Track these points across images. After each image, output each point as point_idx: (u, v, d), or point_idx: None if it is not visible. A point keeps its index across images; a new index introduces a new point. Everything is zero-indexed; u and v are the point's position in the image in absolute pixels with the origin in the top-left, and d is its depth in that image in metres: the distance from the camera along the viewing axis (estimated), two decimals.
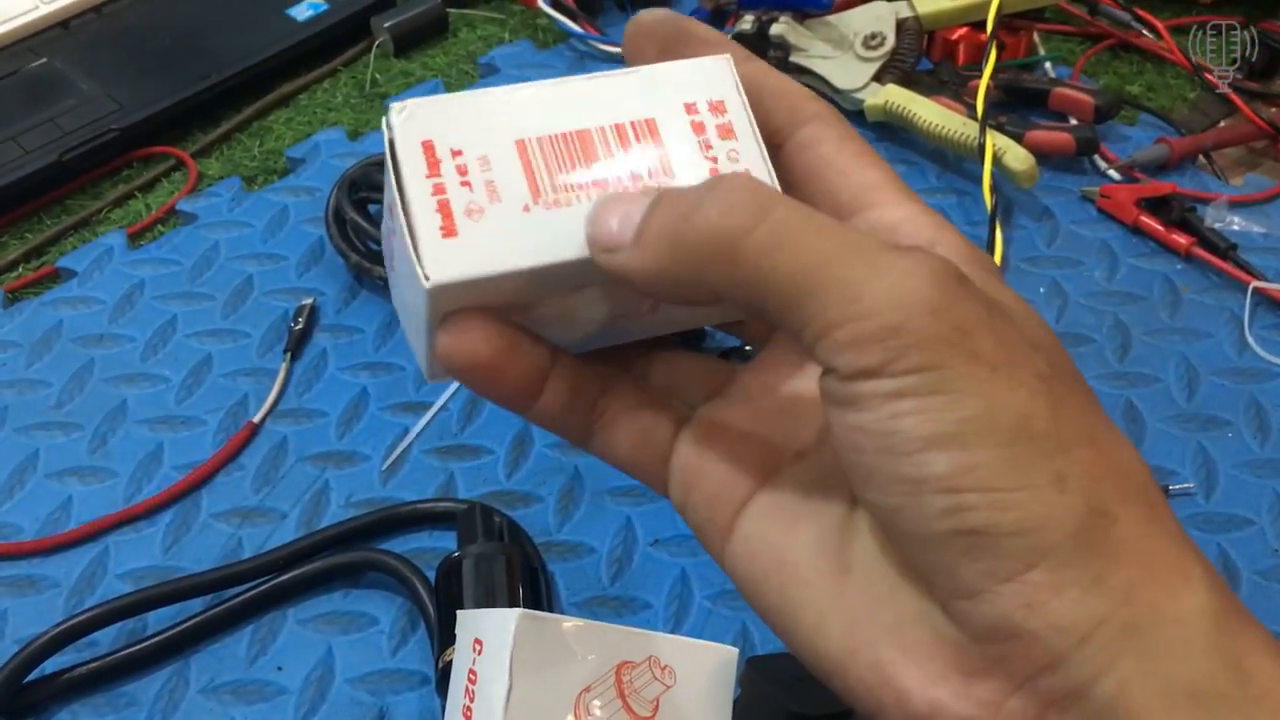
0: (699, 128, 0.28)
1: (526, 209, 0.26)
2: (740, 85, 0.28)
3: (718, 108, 0.28)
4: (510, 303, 0.27)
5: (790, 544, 0.26)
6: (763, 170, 0.27)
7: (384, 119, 0.27)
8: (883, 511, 0.23)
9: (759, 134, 0.28)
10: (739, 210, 0.23)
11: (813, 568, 0.25)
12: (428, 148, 0.26)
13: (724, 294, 0.24)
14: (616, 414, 0.29)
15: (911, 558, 0.23)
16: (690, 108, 0.28)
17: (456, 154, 0.26)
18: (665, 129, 0.27)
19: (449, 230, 0.26)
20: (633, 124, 0.27)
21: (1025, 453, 0.22)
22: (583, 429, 0.29)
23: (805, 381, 0.28)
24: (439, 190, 0.26)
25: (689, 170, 0.27)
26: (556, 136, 0.27)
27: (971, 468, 0.21)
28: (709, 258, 0.24)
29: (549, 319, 0.28)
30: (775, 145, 0.28)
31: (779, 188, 0.27)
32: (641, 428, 0.29)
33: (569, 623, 0.40)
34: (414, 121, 0.26)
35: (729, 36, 0.29)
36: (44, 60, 0.74)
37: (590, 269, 0.26)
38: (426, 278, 0.25)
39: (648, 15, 0.29)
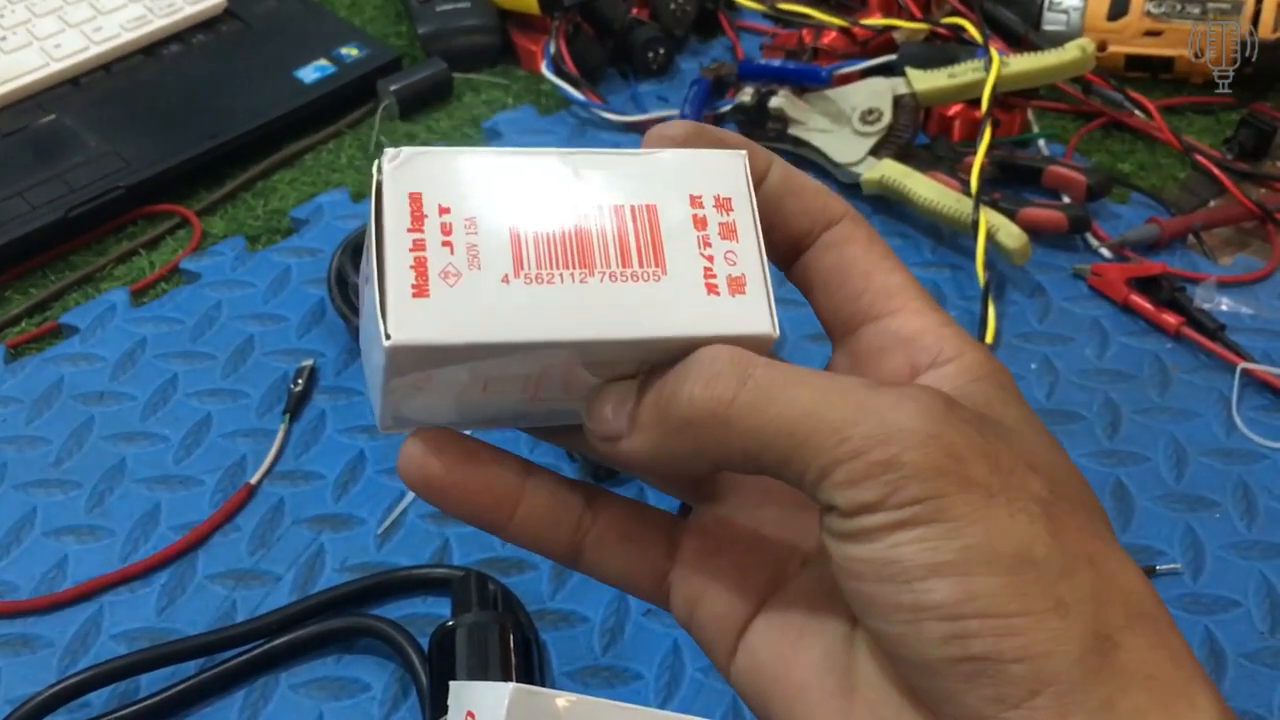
0: (700, 222, 0.27)
1: (505, 280, 0.25)
2: (752, 187, 0.27)
3: (724, 204, 0.27)
4: (467, 375, 0.26)
5: (796, 661, 0.26)
6: (759, 278, 0.27)
7: (376, 162, 0.26)
8: (885, 639, 0.23)
9: (763, 242, 0.27)
10: (719, 381, 0.24)
11: (819, 687, 0.25)
12: (414, 200, 0.26)
13: (722, 461, 0.24)
14: (604, 533, 0.29)
15: (915, 684, 0.23)
16: (695, 200, 0.27)
17: (444, 211, 0.25)
18: (665, 217, 0.27)
19: (420, 290, 0.25)
20: (632, 207, 0.27)
21: (1027, 579, 0.22)
22: (569, 549, 0.29)
23: None
24: (418, 246, 0.25)
25: (681, 266, 0.26)
26: (552, 208, 0.26)
27: (973, 595, 0.22)
28: (701, 431, 0.24)
29: (499, 396, 0.27)
30: (805, 243, 0.28)
31: (772, 300, 0.27)
32: (633, 546, 0.29)
33: (563, 698, 0.40)
34: (405, 170, 0.26)
35: (748, 140, 0.29)
36: (53, 116, 0.75)
37: (560, 353, 0.25)
38: (388, 336, 0.24)
39: (675, 128, 0.28)
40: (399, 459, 0.27)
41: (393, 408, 0.27)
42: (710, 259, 0.26)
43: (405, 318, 0.24)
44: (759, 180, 0.28)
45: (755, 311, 0.26)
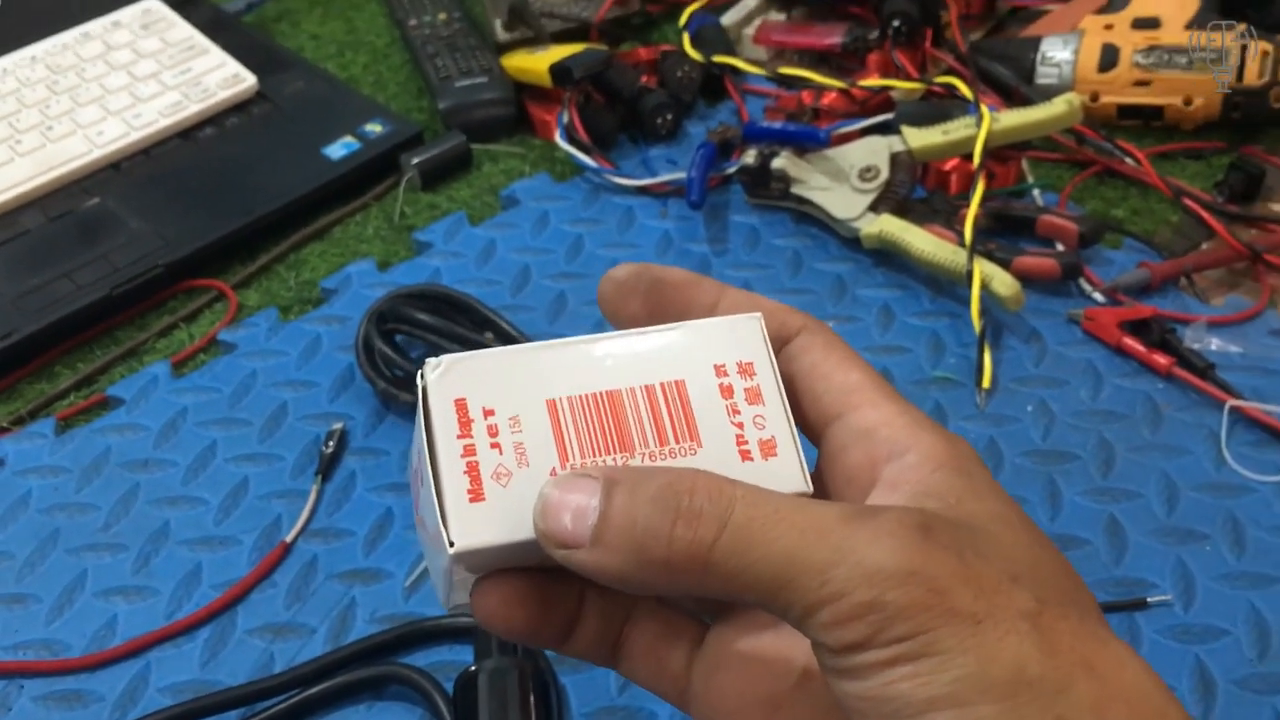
0: (727, 391, 0.28)
1: (554, 473, 0.27)
2: (770, 345, 0.29)
3: (747, 370, 0.29)
4: (535, 557, 0.27)
5: None
6: (788, 437, 0.28)
7: (419, 372, 0.28)
8: None
9: (785, 397, 0.29)
10: (700, 521, 0.24)
11: None
12: (460, 406, 0.27)
13: (699, 595, 0.25)
14: (635, 645, 0.30)
15: None
16: (720, 369, 0.29)
17: (488, 413, 0.27)
18: (694, 391, 0.28)
19: (476, 495, 0.26)
20: (662, 385, 0.28)
21: (1023, 702, 0.22)
22: (608, 658, 0.30)
23: None
24: (469, 451, 0.27)
25: (715, 437, 0.28)
26: (587, 397, 0.28)
27: None
28: (678, 572, 0.24)
29: None
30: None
31: (802, 457, 0.28)
32: (657, 660, 0.30)
33: None
34: (449, 378, 0.27)
35: (692, 274, 0.31)
36: (97, 200, 0.80)
37: None
38: (451, 543, 0.26)
39: (621, 271, 0.30)
40: (478, 611, 0.28)
41: (455, 590, 0.29)
42: (740, 425, 0.28)
43: (465, 523, 0.26)
44: (712, 308, 0.30)
45: (788, 471, 0.28)
